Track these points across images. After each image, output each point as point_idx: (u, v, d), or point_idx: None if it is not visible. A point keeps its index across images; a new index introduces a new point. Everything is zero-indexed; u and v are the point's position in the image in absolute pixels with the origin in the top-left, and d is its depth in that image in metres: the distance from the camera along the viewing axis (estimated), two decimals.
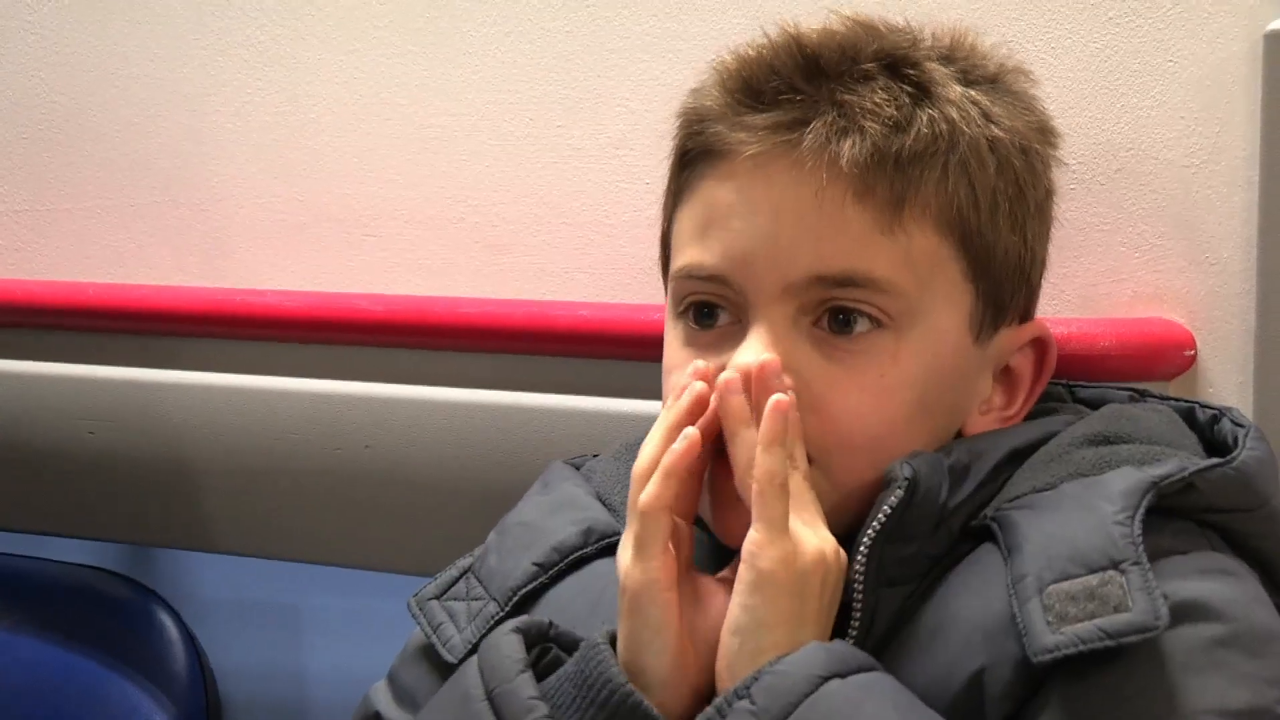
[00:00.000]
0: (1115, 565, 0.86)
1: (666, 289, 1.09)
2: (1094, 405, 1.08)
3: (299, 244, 1.61)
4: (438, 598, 1.13)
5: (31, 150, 1.73)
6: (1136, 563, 0.86)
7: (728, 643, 0.91)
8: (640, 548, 0.94)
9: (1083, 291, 1.23)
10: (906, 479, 0.94)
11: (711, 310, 1.02)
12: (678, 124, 1.08)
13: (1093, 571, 0.86)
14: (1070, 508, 0.92)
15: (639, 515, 0.95)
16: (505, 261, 1.52)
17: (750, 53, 1.04)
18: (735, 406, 0.94)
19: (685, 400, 0.97)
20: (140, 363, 1.65)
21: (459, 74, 1.52)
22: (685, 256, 1.04)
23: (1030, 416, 1.06)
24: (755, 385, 0.95)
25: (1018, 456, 1.01)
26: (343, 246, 1.59)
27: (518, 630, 0.97)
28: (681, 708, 0.93)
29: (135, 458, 1.66)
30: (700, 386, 0.97)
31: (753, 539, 0.91)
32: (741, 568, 0.91)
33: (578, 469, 1.21)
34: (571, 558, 1.10)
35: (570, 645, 0.98)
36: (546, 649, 0.99)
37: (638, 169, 1.45)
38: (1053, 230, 1.09)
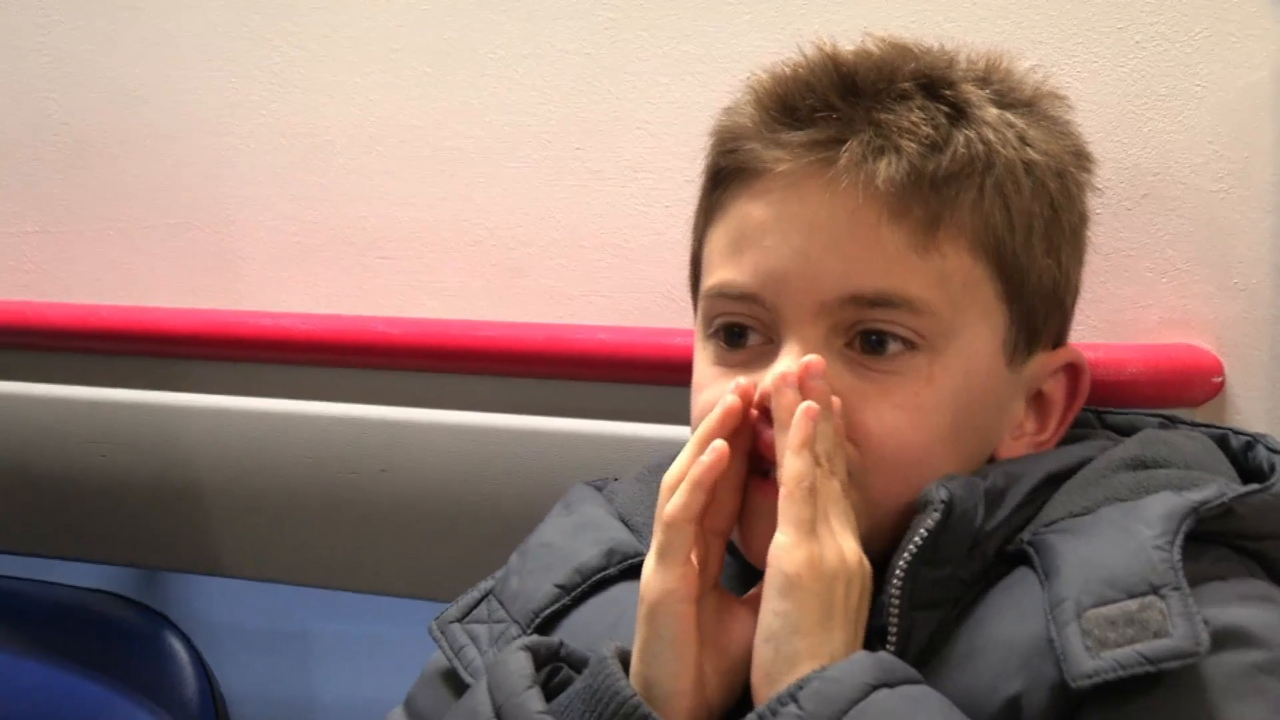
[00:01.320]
0: (1155, 590, 0.85)
1: (696, 310, 1.08)
2: (1123, 431, 1.07)
3: (314, 266, 1.60)
4: (459, 620, 1.13)
5: (44, 173, 1.72)
6: (1177, 588, 0.85)
7: (762, 651, 0.90)
8: (662, 557, 0.95)
9: (1109, 317, 1.22)
10: (944, 501, 0.94)
11: (742, 331, 1.02)
12: (710, 143, 1.08)
13: (1132, 596, 0.85)
14: (1108, 532, 0.91)
15: (663, 525, 0.95)
16: (522, 285, 1.51)
17: (786, 71, 1.03)
18: (784, 404, 0.94)
19: (717, 413, 0.96)
20: (153, 385, 1.64)
21: (476, 97, 1.51)
22: (717, 275, 1.03)
23: (1060, 443, 1.05)
24: (801, 388, 0.94)
25: (1054, 481, 1.00)
26: (358, 269, 1.58)
27: (527, 648, 0.97)
28: None
29: (147, 481, 1.65)
30: (732, 400, 0.97)
31: (778, 542, 0.91)
32: (768, 572, 0.91)
33: (600, 490, 1.21)
34: (594, 579, 1.09)
35: (581, 665, 0.98)
36: (557, 668, 0.99)
37: (656, 192, 1.44)
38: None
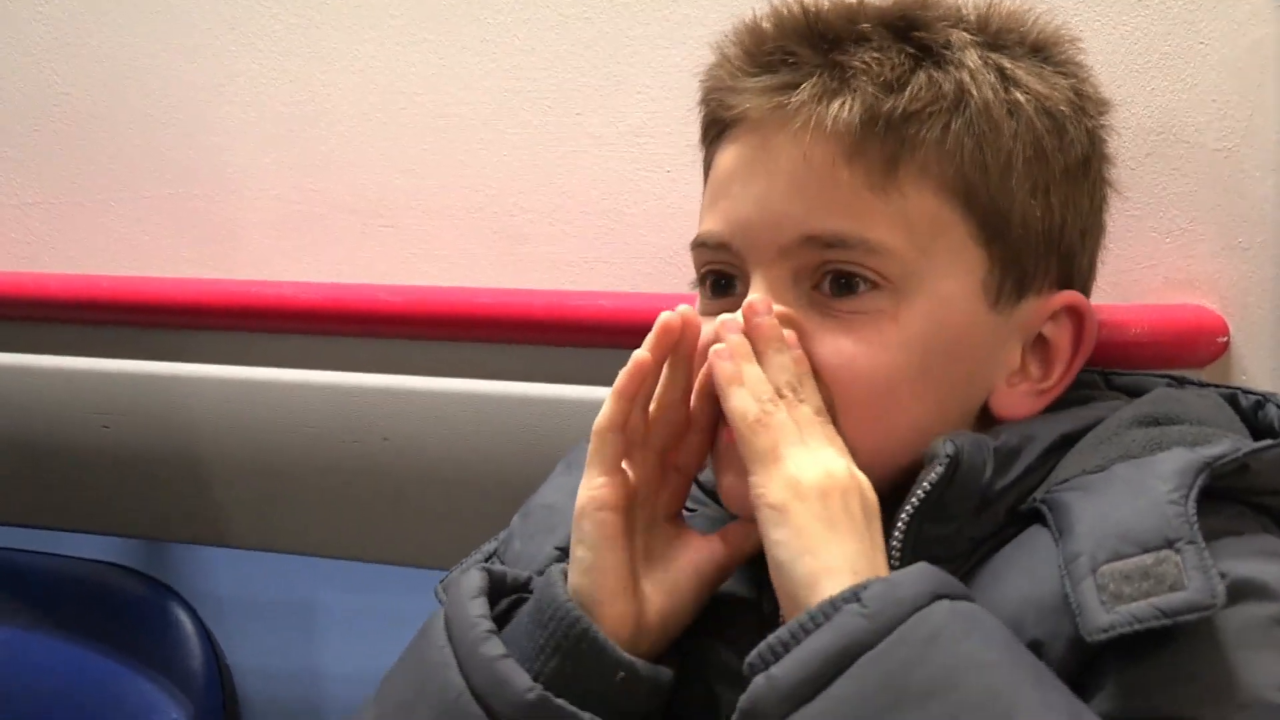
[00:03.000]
0: (1170, 544, 0.84)
1: None
2: (1130, 392, 1.06)
3: (315, 235, 1.59)
4: None
5: (44, 143, 1.72)
6: (1191, 541, 0.84)
7: (778, 583, 0.89)
8: (588, 465, 0.98)
9: (1114, 278, 1.21)
10: (949, 456, 0.93)
11: (729, 280, 1.03)
12: (698, 101, 1.09)
13: (1147, 551, 0.85)
14: (1122, 489, 0.90)
15: (592, 434, 0.98)
16: (524, 251, 1.50)
17: (753, 22, 1.04)
18: (733, 344, 0.96)
19: (655, 329, 0.99)
20: (155, 356, 1.64)
21: (476, 62, 1.51)
22: (700, 226, 1.05)
23: (1065, 405, 1.04)
24: (745, 326, 0.96)
25: (1068, 442, 0.99)
26: (359, 237, 1.57)
27: (483, 569, 1.00)
28: (622, 636, 0.95)
29: (150, 452, 1.65)
30: (668, 315, 0.99)
31: (750, 484, 0.91)
32: (756, 516, 0.91)
33: None
34: None
35: None
36: (523, 599, 1.01)
37: (658, 157, 1.44)
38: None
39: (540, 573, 1.02)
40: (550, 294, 1.46)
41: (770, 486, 0.90)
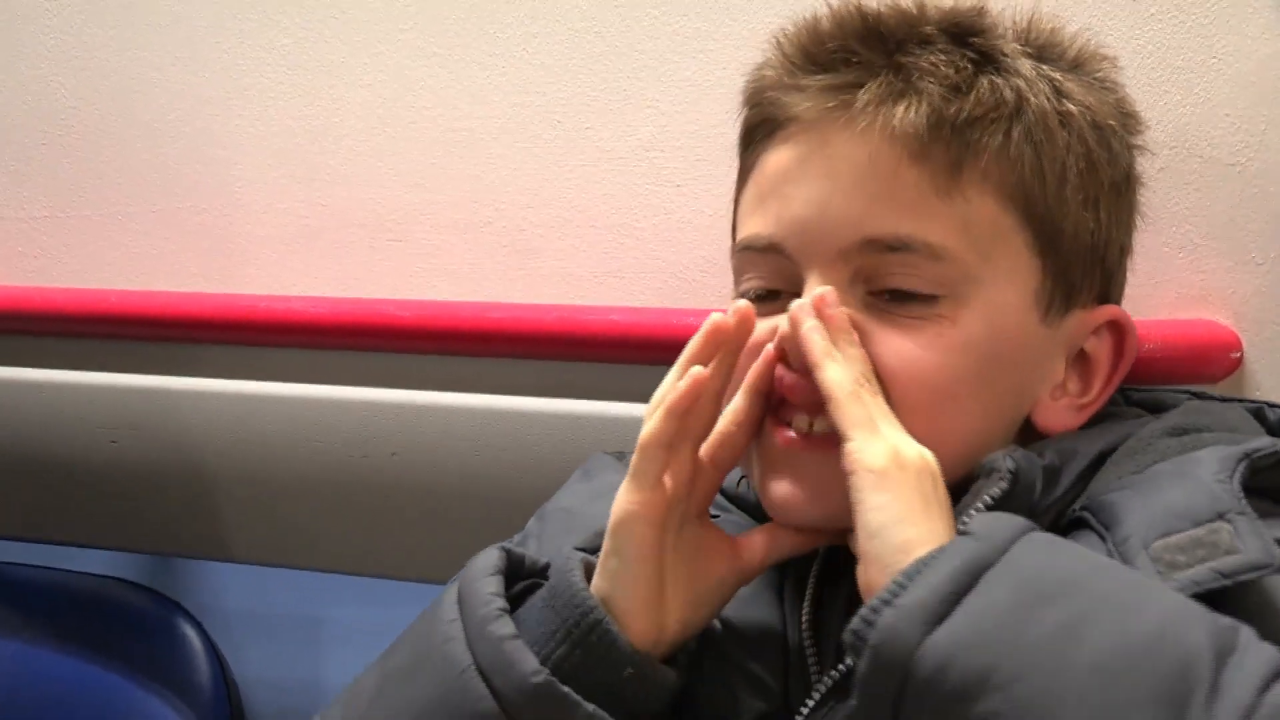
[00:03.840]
0: (1220, 516, 0.84)
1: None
2: (1149, 408, 1.06)
3: (323, 249, 1.59)
4: None
5: (51, 156, 1.71)
6: (1241, 513, 0.84)
7: (870, 546, 0.87)
8: (632, 478, 0.95)
9: (1127, 293, 1.20)
10: (1010, 471, 0.91)
11: (770, 293, 1.02)
12: (741, 103, 1.08)
13: (1198, 524, 0.85)
14: (1165, 481, 0.90)
15: (638, 448, 0.95)
16: (533, 266, 1.50)
17: (810, 20, 1.03)
18: (804, 330, 0.94)
19: (704, 328, 0.97)
20: (162, 370, 1.63)
21: (485, 76, 1.50)
22: (744, 229, 1.03)
23: (1091, 421, 1.03)
24: (818, 315, 0.94)
25: (1104, 458, 0.99)
26: (367, 251, 1.57)
27: (502, 548, 0.99)
28: (644, 642, 0.93)
29: (157, 467, 1.65)
30: (720, 316, 0.97)
31: (850, 447, 0.89)
32: (852, 479, 0.88)
33: (620, 460, 1.20)
34: None
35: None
36: (539, 583, 0.99)
37: (667, 171, 1.44)
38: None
39: (541, 560, 1.02)
40: (560, 309, 1.46)
41: (871, 450, 0.88)
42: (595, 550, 1.05)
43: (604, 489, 1.12)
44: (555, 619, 0.93)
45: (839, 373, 0.91)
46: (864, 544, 0.87)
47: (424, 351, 1.51)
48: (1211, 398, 1.06)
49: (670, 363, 1.34)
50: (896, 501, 0.87)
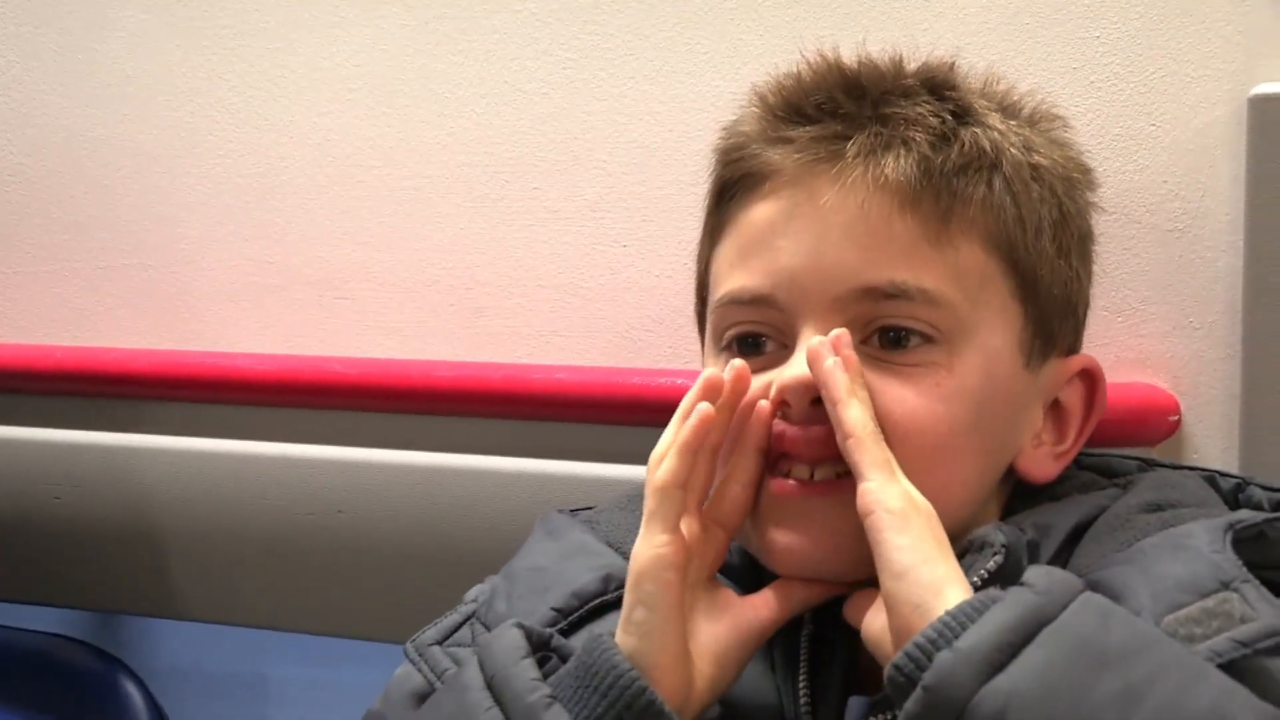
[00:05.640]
0: (1226, 585, 0.85)
1: (703, 336, 1.08)
2: (1100, 472, 1.06)
3: (270, 306, 1.59)
4: (439, 643, 1.08)
5: None
6: (1246, 580, 0.84)
7: (896, 588, 0.87)
8: (650, 523, 0.94)
9: None
10: (1004, 545, 0.90)
11: (756, 340, 1.01)
12: (714, 159, 1.08)
13: (1205, 596, 0.85)
14: (1158, 555, 0.90)
15: (652, 491, 0.94)
16: (480, 324, 1.50)
17: (789, 75, 1.04)
18: (825, 369, 0.93)
19: (697, 385, 0.96)
20: (108, 427, 1.63)
21: (433, 136, 1.51)
22: (726, 284, 1.02)
23: (1050, 494, 1.04)
24: (836, 354, 0.94)
25: (1080, 531, 0.99)
26: (315, 309, 1.57)
27: (519, 626, 0.96)
28: (674, 705, 0.90)
29: (102, 523, 1.64)
30: (712, 372, 0.97)
31: (869, 487, 0.89)
32: (870, 519, 0.89)
33: (575, 517, 1.18)
34: (593, 604, 1.05)
35: (570, 658, 0.95)
36: (547, 657, 0.96)
37: (614, 231, 1.44)
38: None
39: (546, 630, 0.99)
40: (506, 367, 1.46)
41: (890, 492, 0.89)
42: (571, 611, 1.04)
43: (573, 549, 1.11)
44: (599, 700, 0.90)
45: (857, 413, 0.92)
46: (890, 584, 0.87)
47: (371, 409, 1.51)
48: (1160, 464, 1.07)
49: (618, 421, 1.36)
50: (920, 540, 0.87)
